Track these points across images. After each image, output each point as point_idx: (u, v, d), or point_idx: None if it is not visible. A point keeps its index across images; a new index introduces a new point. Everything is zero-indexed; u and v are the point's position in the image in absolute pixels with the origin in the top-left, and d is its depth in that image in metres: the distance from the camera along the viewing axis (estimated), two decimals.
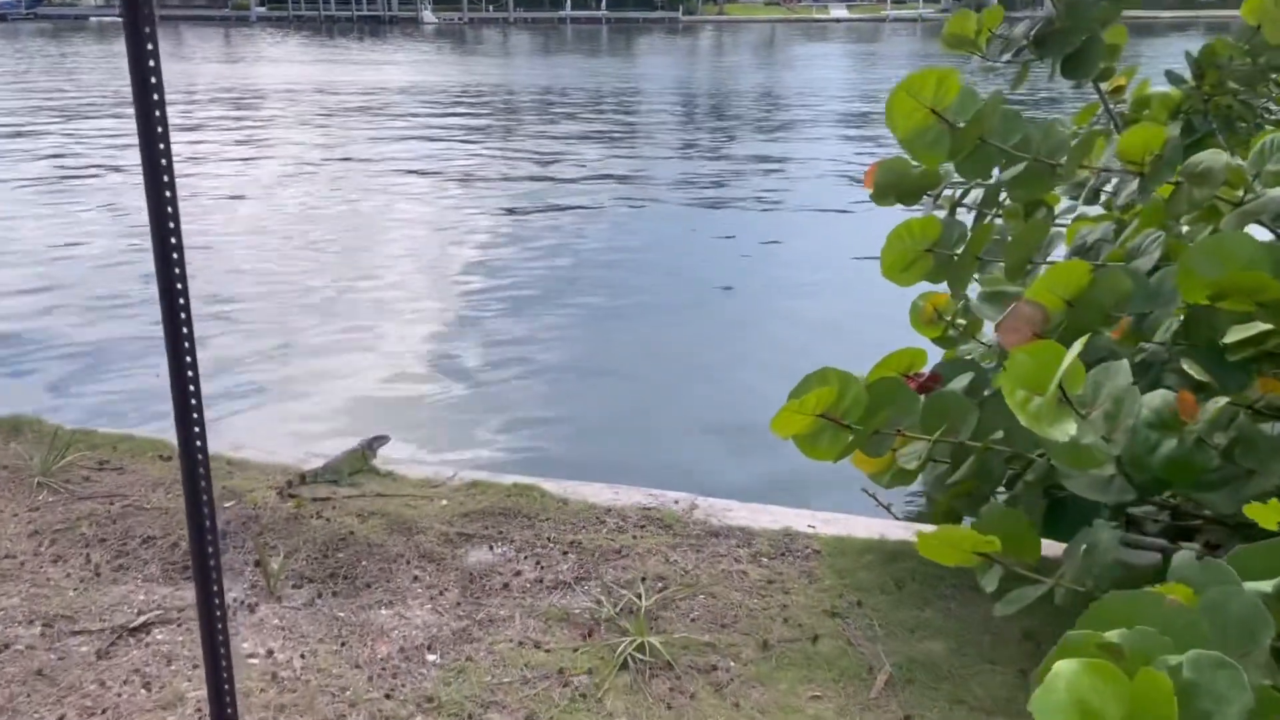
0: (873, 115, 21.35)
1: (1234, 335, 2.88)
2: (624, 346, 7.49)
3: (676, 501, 4.02)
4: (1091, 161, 3.40)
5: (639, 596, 3.20)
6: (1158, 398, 2.59)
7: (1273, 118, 4.22)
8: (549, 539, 3.63)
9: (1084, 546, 2.67)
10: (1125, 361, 2.44)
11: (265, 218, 11.43)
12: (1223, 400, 2.54)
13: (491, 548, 3.57)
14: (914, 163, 4.56)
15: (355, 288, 8.78)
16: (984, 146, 3.28)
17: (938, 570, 3.41)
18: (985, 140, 3.29)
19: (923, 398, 3.10)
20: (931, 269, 3.64)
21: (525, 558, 3.50)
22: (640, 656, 2.86)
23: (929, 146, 3.28)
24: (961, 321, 5.67)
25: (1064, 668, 1.46)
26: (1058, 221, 4.62)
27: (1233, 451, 2.59)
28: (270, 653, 2.90)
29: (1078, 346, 2.35)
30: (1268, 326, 2.81)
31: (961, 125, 3.22)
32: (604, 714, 2.64)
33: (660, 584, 3.32)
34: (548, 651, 2.92)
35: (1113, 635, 1.59)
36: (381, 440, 4.34)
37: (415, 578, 3.34)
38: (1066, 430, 2.43)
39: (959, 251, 3.62)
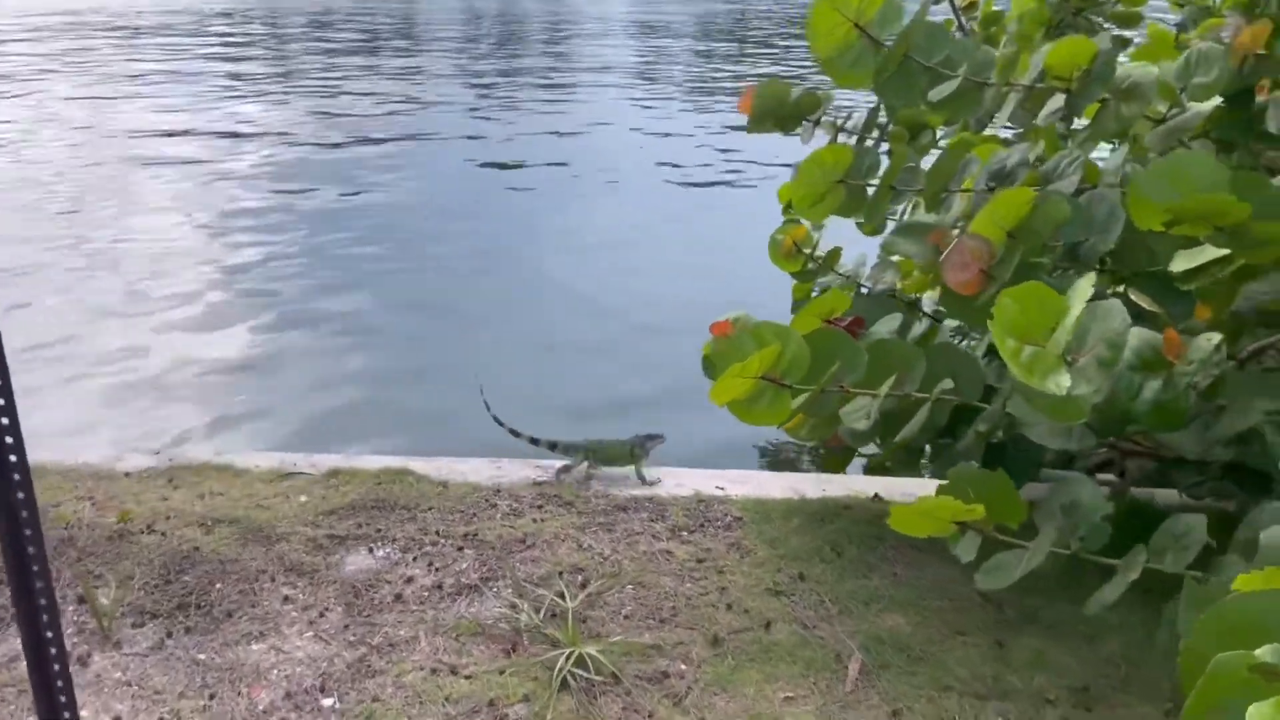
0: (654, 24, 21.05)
1: (1183, 263, 2.69)
2: (436, 310, 6.79)
3: (568, 468, 3.59)
4: (1017, 78, 3.14)
5: (561, 596, 2.77)
6: (1136, 337, 2.36)
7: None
8: (438, 533, 3.14)
9: (1061, 505, 2.43)
10: (1118, 302, 2.19)
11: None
12: (1215, 338, 2.34)
13: (372, 550, 3.04)
14: (794, 87, 4.23)
15: (111, 256, 7.51)
16: (909, 65, 2.95)
17: (872, 530, 3.15)
18: (910, 58, 2.96)
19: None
20: (843, 202, 3.32)
21: (415, 559, 3.00)
22: (580, 672, 2.45)
23: (851, 66, 2.92)
24: (820, 254, 5.45)
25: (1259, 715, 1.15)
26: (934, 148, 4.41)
27: (1214, 392, 2.40)
28: None
29: (1081, 293, 2.06)
30: (1222, 252, 2.64)
31: (889, 43, 2.88)
32: None
33: (579, 576, 2.90)
34: (468, 678, 2.45)
35: (1265, 653, 1.30)
36: (656, 440, 3.53)
37: (286, 598, 2.79)
38: (1060, 382, 2.16)
39: (871, 182, 3.31)
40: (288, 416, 5.11)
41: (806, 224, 5.59)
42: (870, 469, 3.24)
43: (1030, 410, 2.66)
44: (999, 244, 2.75)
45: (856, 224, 5.84)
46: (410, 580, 2.89)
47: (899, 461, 3.19)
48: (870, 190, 3.30)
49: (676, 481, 3.61)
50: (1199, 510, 2.54)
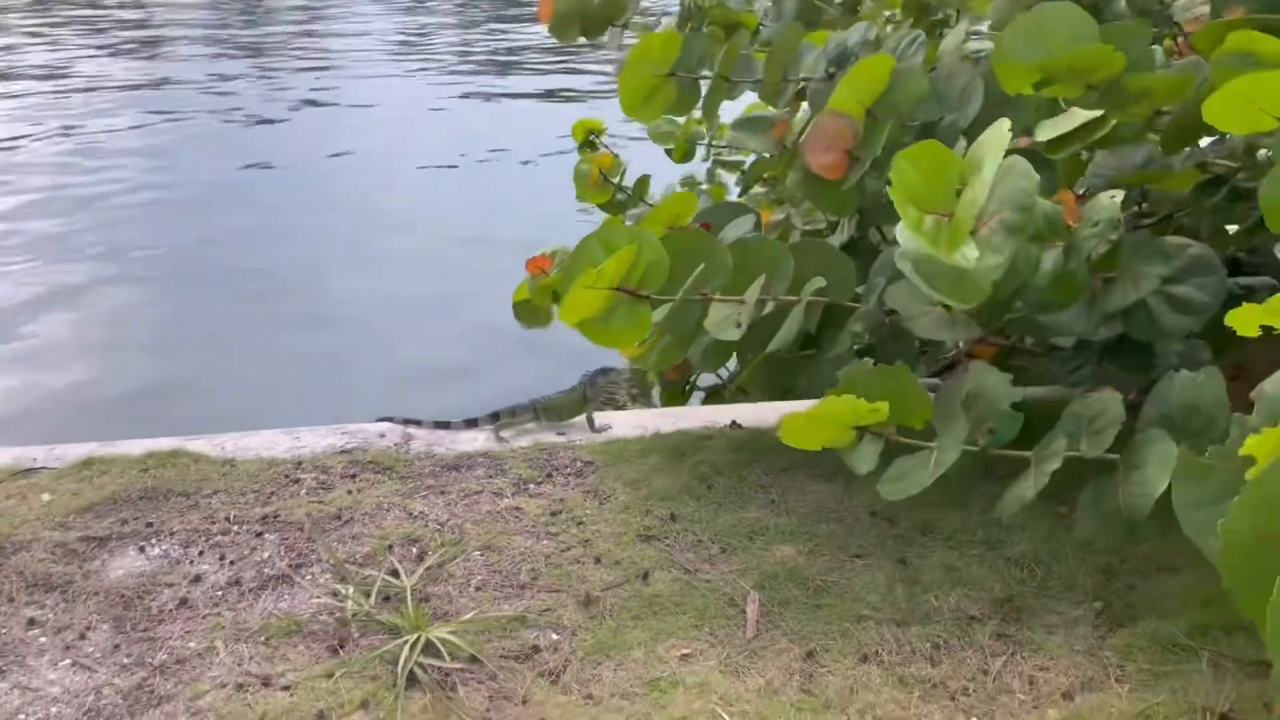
0: None
1: (1049, 131, 2.48)
2: (203, 287, 6.03)
3: (383, 435, 3.08)
4: None
5: (395, 574, 2.28)
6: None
7: None
8: (229, 519, 2.57)
9: (964, 398, 2.16)
10: (1023, 159, 1.91)
11: None
12: (1118, 194, 2.12)
13: (143, 549, 2.44)
14: None
15: None
16: None
17: (738, 458, 2.83)
18: None
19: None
20: (676, 98, 2.94)
21: (201, 553, 2.42)
22: (430, 662, 1.98)
23: None
24: (628, 185, 5.11)
25: None
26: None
27: (1109, 261, 2.19)
28: None
29: (994, 146, 1.77)
30: (1090, 116, 2.44)
31: None
32: None
33: (414, 549, 2.42)
34: (287, 689, 1.94)
35: None
36: (610, 373, 3.04)
37: (31, 621, 2.16)
38: (968, 254, 1.86)
39: (704, 75, 2.95)
40: (28, 410, 4.29)
41: (611, 150, 5.23)
42: (710, 397, 2.91)
43: (912, 300, 2.38)
44: (860, 122, 2.45)
45: (666, 151, 5.56)
46: (198, 579, 2.32)
47: (760, 381, 2.87)
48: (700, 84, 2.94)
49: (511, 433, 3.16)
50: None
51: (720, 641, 2.05)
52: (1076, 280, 2.15)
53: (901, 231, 2.07)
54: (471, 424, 3.01)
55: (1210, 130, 2.38)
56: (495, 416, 3.03)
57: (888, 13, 3.30)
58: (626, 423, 3.21)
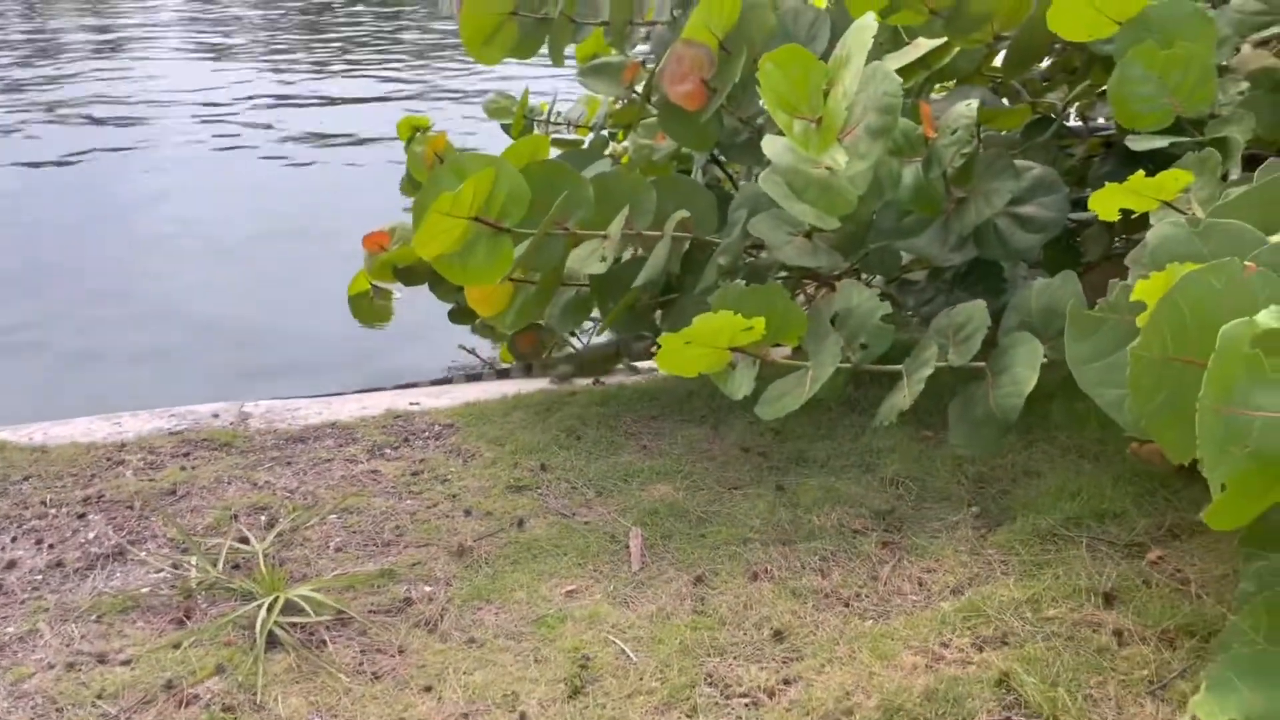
0: None
1: (895, 62, 2.52)
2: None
3: (216, 415, 2.85)
4: None
5: (244, 541, 2.08)
6: None
7: None
8: (44, 503, 2.30)
9: (834, 315, 2.15)
10: (885, 64, 1.91)
11: None
12: (974, 103, 2.14)
13: None
14: None
15: None
16: None
17: (606, 411, 2.76)
18: None
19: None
20: (517, 39, 2.84)
21: (13, 539, 2.16)
22: (292, 621, 1.81)
23: None
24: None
25: None
26: None
27: (964, 176, 2.22)
28: None
29: (860, 43, 1.75)
30: (932, 45, 2.49)
31: None
32: None
33: (263, 517, 2.22)
34: (127, 663, 1.72)
35: (1267, 318, 1.02)
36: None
37: None
38: (837, 157, 1.84)
39: (546, 14, 2.86)
40: None
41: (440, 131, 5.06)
42: (608, 328, 2.83)
43: (776, 229, 2.36)
44: (715, 52, 2.41)
45: (502, 127, 5.44)
46: (12, 565, 2.05)
47: (623, 328, 2.79)
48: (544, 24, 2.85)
49: (360, 404, 2.98)
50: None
51: (605, 577, 1.96)
52: (936, 193, 2.17)
53: (770, 144, 2.04)
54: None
55: (1050, 50, 2.47)
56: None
57: None
58: (482, 390, 3.09)
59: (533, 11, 2.84)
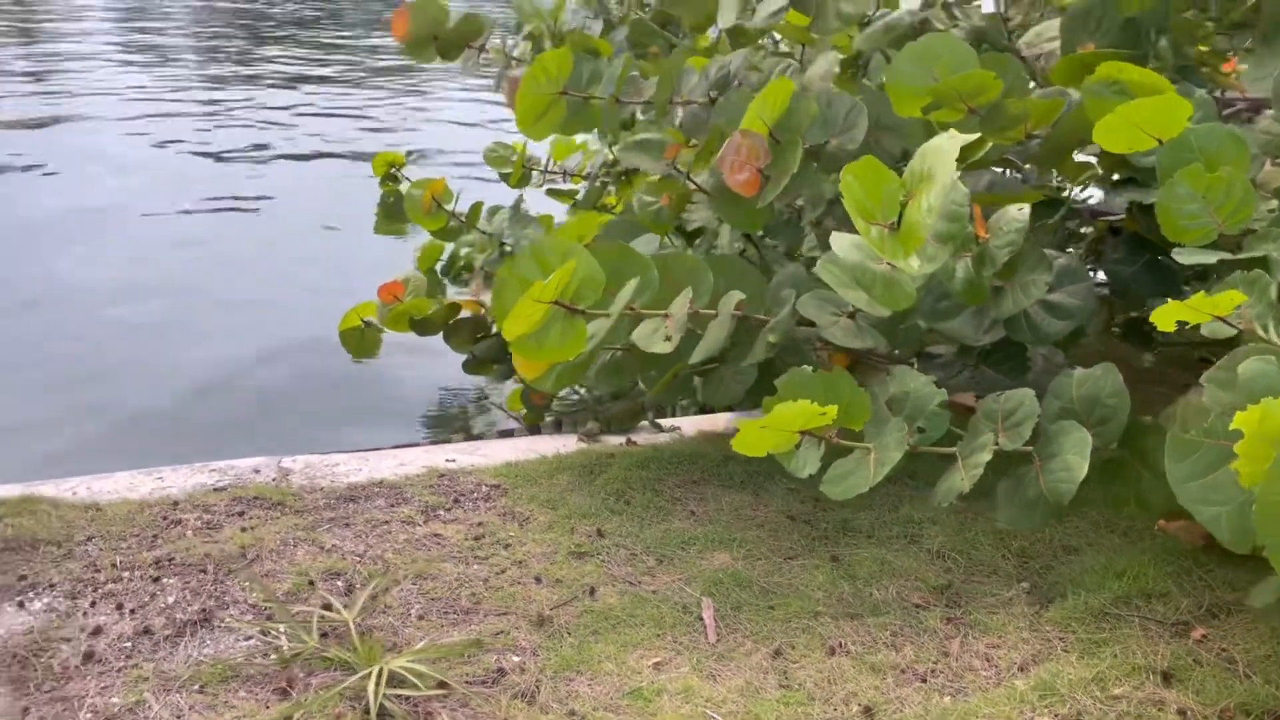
0: None
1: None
2: None
3: (257, 471, 2.90)
4: None
5: (328, 608, 2.15)
6: None
7: None
8: (115, 565, 2.34)
9: (890, 400, 2.29)
10: (952, 166, 2.06)
11: None
12: (1025, 207, 2.31)
13: (22, 604, 2.19)
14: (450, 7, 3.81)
15: None
16: None
17: (647, 475, 2.86)
18: None
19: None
20: (565, 117, 2.96)
21: (94, 604, 2.20)
22: (398, 693, 1.88)
23: None
24: (463, 210, 5.06)
25: None
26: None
27: (1010, 270, 2.39)
28: None
29: (943, 165, 1.90)
30: (969, 139, 2.66)
31: None
32: None
33: (339, 582, 2.29)
34: None
35: None
36: None
37: None
38: (912, 264, 2.00)
39: (594, 94, 2.99)
40: None
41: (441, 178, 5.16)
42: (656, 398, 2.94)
43: (823, 310, 2.51)
44: (768, 141, 2.56)
45: (502, 176, 5.55)
46: (99, 631, 2.09)
47: (663, 396, 2.91)
48: (590, 103, 2.98)
49: (397, 461, 3.05)
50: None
51: (686, 648, 2.06)
52: (981, 287, 2.33)
53: (838, 240, 2.19)
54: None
55: (1079, 147, 2.66)
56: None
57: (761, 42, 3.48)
58: (513, 449, 3.18)
59: (580, 92, 2.97)
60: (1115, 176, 2.93)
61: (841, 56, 3.26)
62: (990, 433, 2.17)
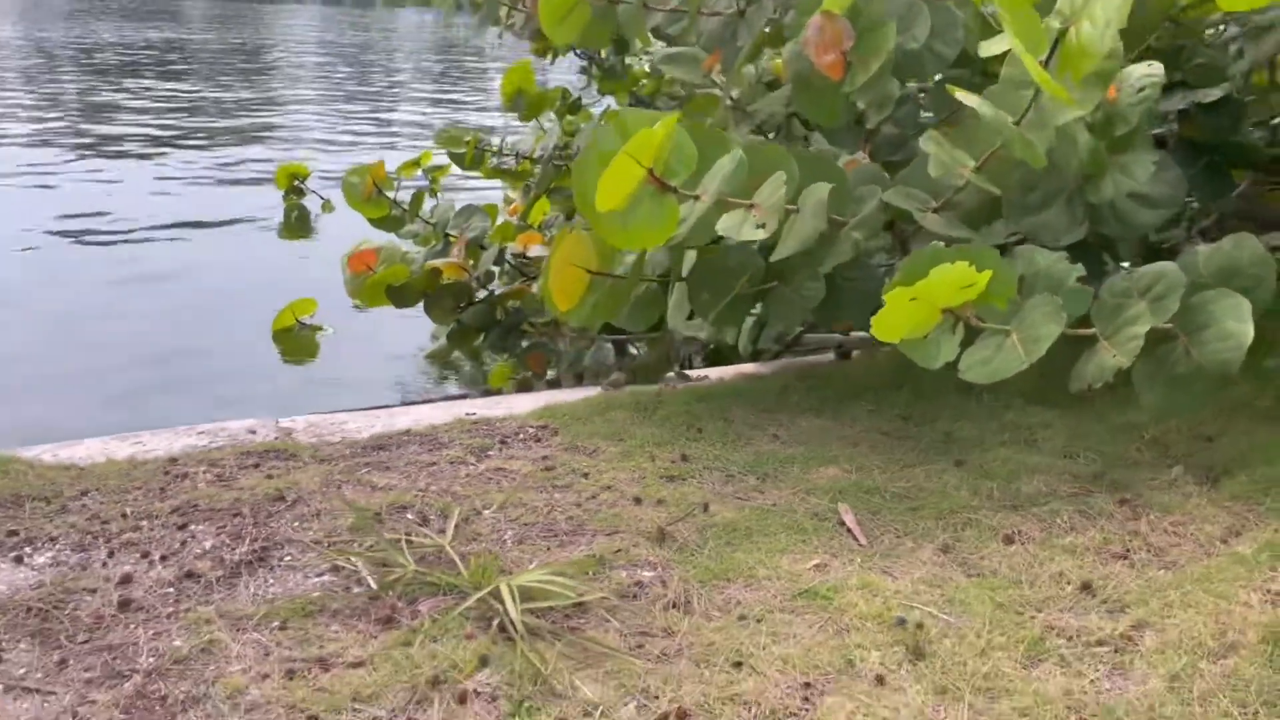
0: None
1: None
2: None
3: (253, 431, 2.52)
4: None
5: (407, 537, 1.81)
6: None
7: None
8: (125, 515, 1.95)
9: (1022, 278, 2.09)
10: None
11: None
12: (1155, 65, 2.15)
13: (20, 559, 1.78)
14: None
15: None
16: None
17: (708, 406, 2.59)
18: None
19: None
20: (589, 21, 2.71)
21: (111, 554, 1.81)
22: (530, 607, 1.56)
23: None
24: (404, 200, 4.75)
25: None
26: None
27: (1130, 140, 2.22)
28: None
29: None
30: None
31: None
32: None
33: (409, 514, 1.95)
34: (361, 665, 1.44)
35: None
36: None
37: None
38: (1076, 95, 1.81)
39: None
40: None
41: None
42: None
43: (908, 200, 2.30)
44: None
45: (452, 156, 5.27)
46: (129, 580, 1.71)
47: (721, 318, 2.64)
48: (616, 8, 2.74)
49: (413, 418, 2.69)
50: None
51: (839, 551, 1.79)
52: (1104, 157, 2.16)
53: (966, 97, 1.99)
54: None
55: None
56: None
57: None
58: (531, 402, 2.86)
59: None
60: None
61: None
62: (1142, 304, 1.98)
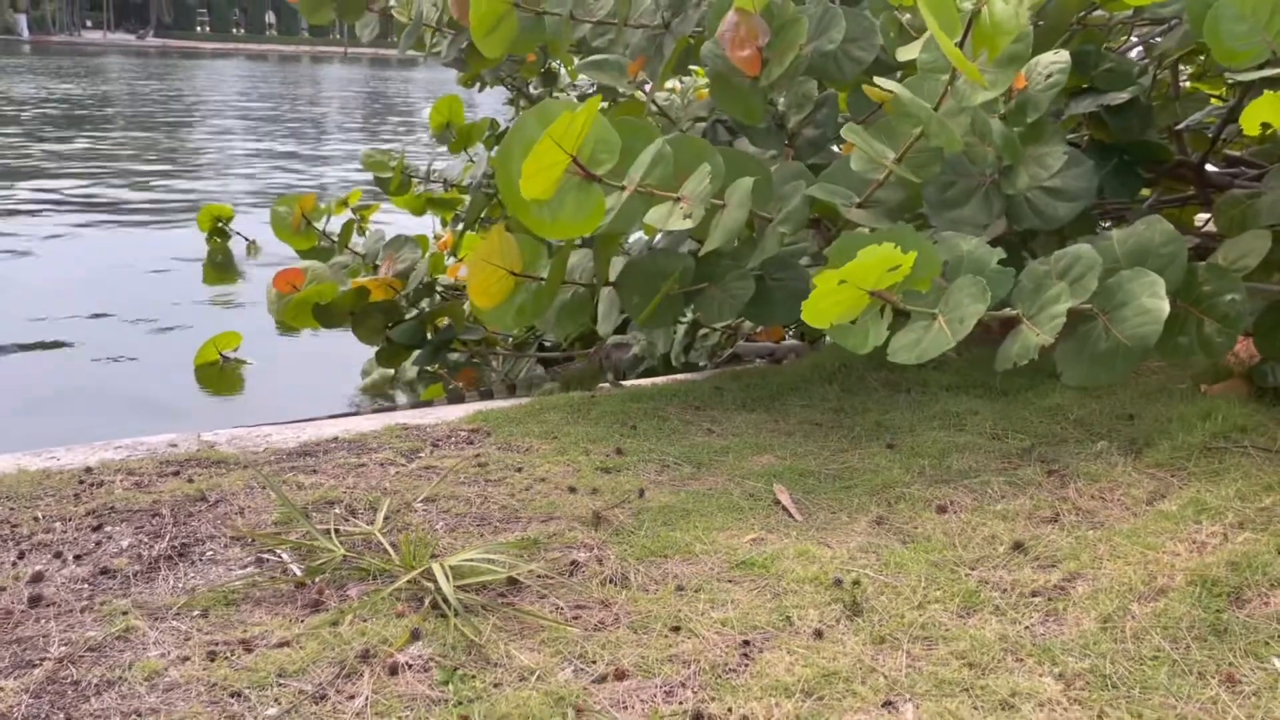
0: None
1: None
2: None
3: (174, 445, 2.44)
4: None
5: (335, 529, 1.76)
6: None
7: None
8: (37, 519, 1.87)
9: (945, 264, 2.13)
10: None
11: None
12: (1063, 53, 2.22)
13: None
14: None
15: None
16: None
17: (646, 405, 2.59)
18: None
19: None
20: (518, 32, 2.73)
21: (21, 555, 1.72)
22: (464, 584, 1.52)
23: None
24: (334, 231, 4.72)
25: None
26: None
27: (1038, 133, 2.29)
28: None
29: None
30: None
31: None
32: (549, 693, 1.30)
33: (337, 509, 1.89)
34: (287, 645, 1.39)
35: None
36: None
37: None
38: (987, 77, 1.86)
39: (548, 7, 2.77)
40: None
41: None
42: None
43: (832, 196, 2.34)
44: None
45: (378, 180, 5.24)
46: (40, 578, 1.63)
47: (654, 319, 2.64)
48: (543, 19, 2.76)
49: (341, 427, 2.63)
50: None
51: (775, 527, 1.79)
52: (1018, 145, 2.22)
53: (883, 82, 2.03)
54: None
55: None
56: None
57: None
58: (475, 407, 2.83)
59: (533, 6, 2.74)
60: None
61: None
62: (1061, 285, 2.02)
